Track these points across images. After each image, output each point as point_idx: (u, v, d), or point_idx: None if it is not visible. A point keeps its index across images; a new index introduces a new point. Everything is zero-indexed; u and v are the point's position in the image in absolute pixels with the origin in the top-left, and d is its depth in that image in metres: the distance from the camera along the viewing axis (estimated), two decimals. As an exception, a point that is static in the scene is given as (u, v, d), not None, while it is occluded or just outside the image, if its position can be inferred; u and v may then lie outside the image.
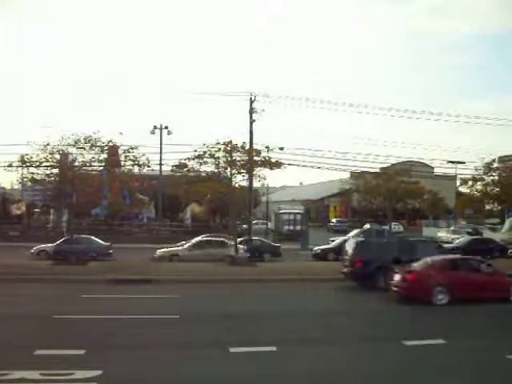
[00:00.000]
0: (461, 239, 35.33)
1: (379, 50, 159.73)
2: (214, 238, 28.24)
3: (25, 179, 29.53)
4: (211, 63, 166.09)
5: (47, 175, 25.08)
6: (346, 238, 33.71)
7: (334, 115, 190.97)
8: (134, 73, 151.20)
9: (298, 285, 19.75)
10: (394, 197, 28.80)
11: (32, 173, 25.08)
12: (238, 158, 25.64)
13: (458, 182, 46.68)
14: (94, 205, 39.54)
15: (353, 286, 19.13)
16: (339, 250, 29.48)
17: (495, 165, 35.36)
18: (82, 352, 9.14)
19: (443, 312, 14.35)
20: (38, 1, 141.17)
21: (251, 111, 39.09)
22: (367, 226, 61.25)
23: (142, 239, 35.24)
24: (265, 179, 28.21)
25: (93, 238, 28.68)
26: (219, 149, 25.03)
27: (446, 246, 34.06)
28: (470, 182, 35.28)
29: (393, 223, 31.71)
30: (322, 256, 29.76)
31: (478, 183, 34.55)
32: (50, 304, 14.74)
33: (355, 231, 37.19)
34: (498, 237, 38.70)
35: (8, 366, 8.01)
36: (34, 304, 14.63)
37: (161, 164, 41.38)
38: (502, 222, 44.64)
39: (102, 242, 28.37)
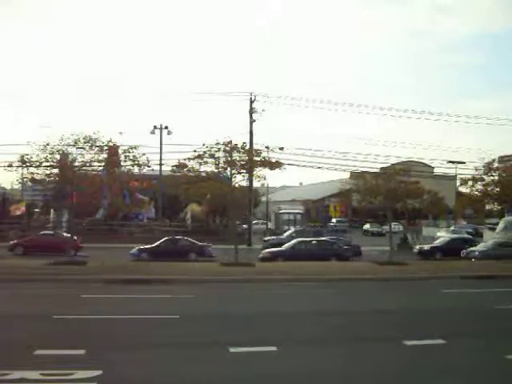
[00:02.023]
0: (441, 239, 35.11)
1: (379, 50, 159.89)
2: None
3: (25, 179, 29.53)
4: (212, 63, 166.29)
5: (47, 175, 25.08)
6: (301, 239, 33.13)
7: (334, 115, 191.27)
8: (134, 73, 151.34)
9: (297, 285, 19.79)
10: (394, 197, 28.71)
11: (32, 173, 25.08)
12: (238, 158, 25.65)
13: (458, 182, 46.78)
14: (93, 205, 39.59)
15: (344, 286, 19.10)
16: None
17: (495, 165, 35.35)
18: (82, 352, 9.14)
19: (443, 312, 14.36)
20: (40, 1, 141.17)
21: (251, 111, 39.21)
22: (367, 225, 61.45)
23: (142, 239, 35.19)
24: (265, 179, 28.28)
25: None
26: (219, 149, 25.05)
27: (425, 246, 34.00)
28: (470, 182, 35.26)
29: (393, 223, 31.61)
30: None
31: (479, 183, 34.53)
32: (50, 304, 14.73)
33: (290, 231, 36.64)
34: (493, 237, 38.70)
35: (8, 366, 8.00)
36: (34, 304, 14.62)
37: (161, 164, 41.45)
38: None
39: None
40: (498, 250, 29.90)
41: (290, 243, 29.72)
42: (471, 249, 31.10)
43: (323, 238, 31.40)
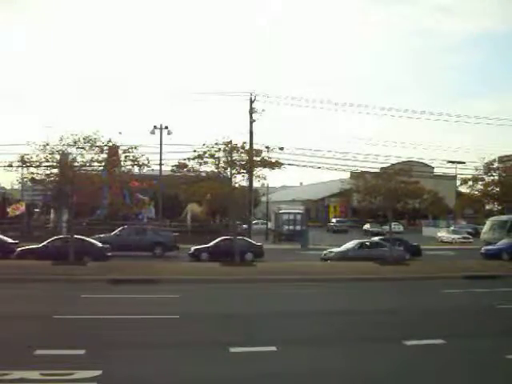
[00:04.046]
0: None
1: (379, 49, 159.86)
2: None
3: (25, 179, 29.48)
4: (211, 63, 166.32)
5: (47, 175, 25.06)
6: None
7: (334, 115, 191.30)
8: (134, 73, 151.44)
9: (298, 285, 19.79)
10: (394, 197, 28.67)
11: (32, 173, 25.06)
12: (238, 158, 25.65)
13: (458, 182, 46.81)
14: (93, 206, 39.59)
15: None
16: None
17: (495, 165, 35.39)
18: (82, 352, 9.13)
19: (444, 312, 14.36)
20: (41, 1, 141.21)
21: (251, 111, 39.17)
22: (367, 225, 61.45)
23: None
24: (265, 179, 28.25)
25: None
26: (219, 149, 25.04)
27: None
28: (470, 182, 35.29)
29: (393, 223, 31.52)
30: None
31: (479, 183, 34.57)
32: (50, 304, 14.73)
33: (117, 230, 34.78)
34: (481, 237, 38.43)
35: (8, 366, 7.99)
36: (34, 304, 14.62)
37: (161, 164, 41.41)
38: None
39: None
40: (357, 251, 28.97)
41: (46, 242, 28.22)
42: (329, 250, 30.24)
43: (79, 237, 28.12)
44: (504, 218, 38.25)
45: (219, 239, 30.62)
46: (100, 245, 27.59)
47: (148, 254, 30.39)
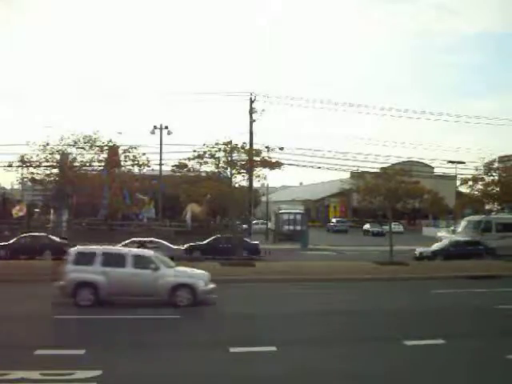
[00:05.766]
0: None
1: (379, 49, 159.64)
2: None
3: (25, 179, 29.51)
4: (212, 63, 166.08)
5: (47, 175, 25.10)
6: None
7: (334, 115, 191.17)
8: (134, 73, 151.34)
9: (298, 285, 19.78)
10: (394, 197, 28.63)
11: (32, 173, 25.11)
12: (238, 158, 25.66)
13: (458, 182, 46.73)
14: (94, 206, 39.60)
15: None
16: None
17: (495, 165, 35.41)
18: (82, 352, 9.14)
19: (443, 312, 14.37)
20: (41, 1, 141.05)
21: (251, 111, 39.11)
22: (367, 225, 61.42)
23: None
24: (265, 179, 28.26)
25: None
26: (219, 149, 25.06)
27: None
28: (470, 182, 35.30)
29: (393, 223, 31.51)
30: None
31: (479, 183, 34.59)
32: (50, 304, 14.72)
33: None
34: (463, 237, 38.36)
35: (8, 366, 8.00)
36: (34, 304, 14.60)
37: (161, 164, 41.39)
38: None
39: None
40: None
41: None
42: None
43: None
44: (478, 218, 38.14)
45: (18, 237, 28.16)
46: None
47: None
